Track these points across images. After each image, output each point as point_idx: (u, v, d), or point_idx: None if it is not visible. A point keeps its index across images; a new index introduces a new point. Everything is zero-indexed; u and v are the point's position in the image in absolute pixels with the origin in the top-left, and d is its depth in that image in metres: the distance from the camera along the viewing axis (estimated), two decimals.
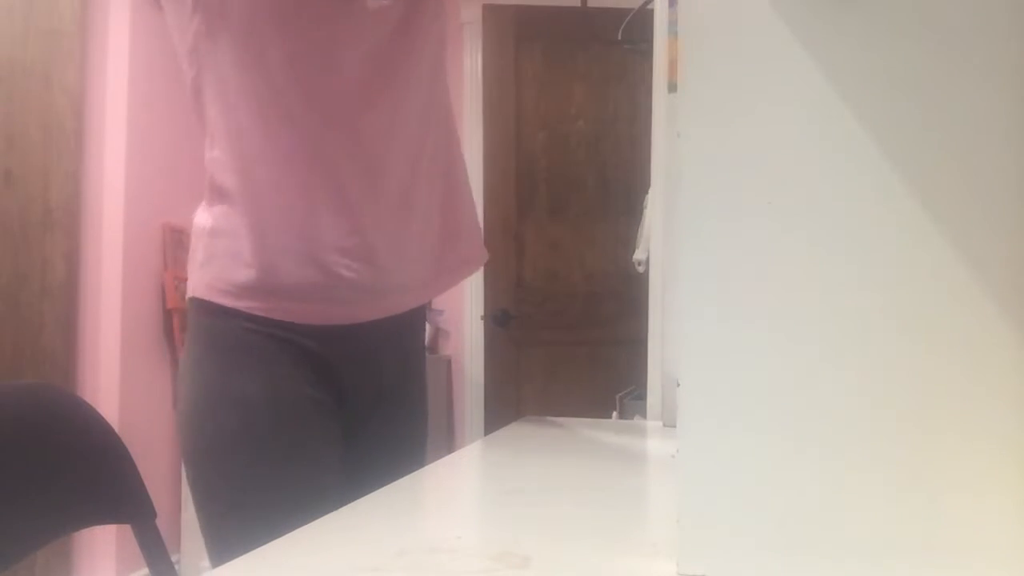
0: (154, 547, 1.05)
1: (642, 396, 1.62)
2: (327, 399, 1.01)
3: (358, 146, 0.98)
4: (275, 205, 0.96)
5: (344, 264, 0.98)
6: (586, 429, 1.18)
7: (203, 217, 1.01)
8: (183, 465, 1.01)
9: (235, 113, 0.95)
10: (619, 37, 2.51)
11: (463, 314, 3.58)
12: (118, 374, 2.82)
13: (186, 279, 1.05)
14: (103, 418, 1.08)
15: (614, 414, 2.05)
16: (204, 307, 0.99)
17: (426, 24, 1.02)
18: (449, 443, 3.58)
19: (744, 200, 0.45)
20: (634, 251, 2.25)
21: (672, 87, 1.23)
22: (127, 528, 1.06)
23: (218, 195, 0.99)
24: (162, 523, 1.08)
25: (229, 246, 0.97)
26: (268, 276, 0.96)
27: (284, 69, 0.93)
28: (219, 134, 0.97)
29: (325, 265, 0.97)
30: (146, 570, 1.04)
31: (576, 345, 3.32)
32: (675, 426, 0.45)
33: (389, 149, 1.00)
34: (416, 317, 1.14)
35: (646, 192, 1.91)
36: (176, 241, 3.13)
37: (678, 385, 0.45)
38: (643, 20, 2.11)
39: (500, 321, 3.29)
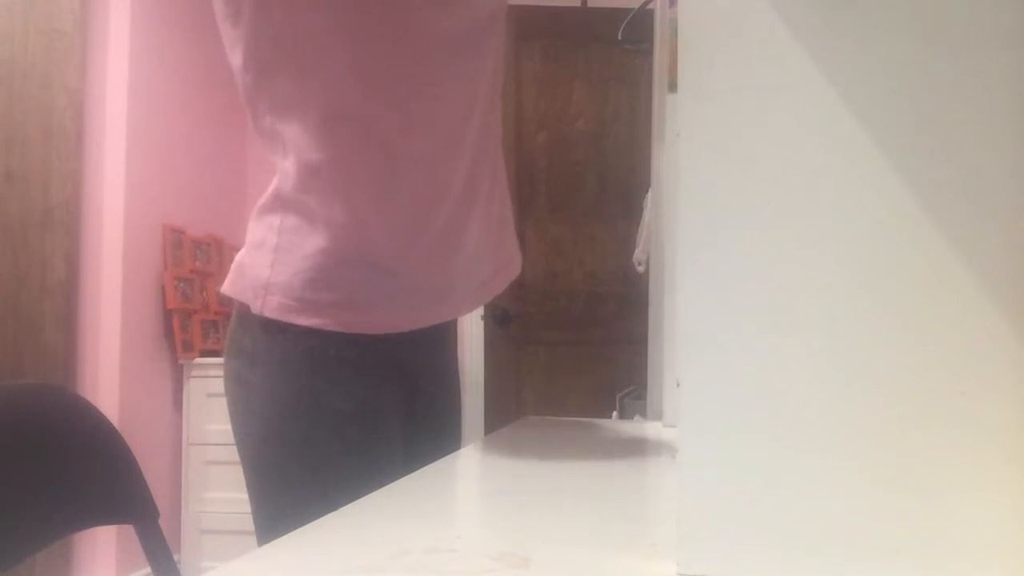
0: (157, 547, 1.05)
1: (642, 396, 1.63)
2: (400, 401, 1.02)
3: (425, 144, 0.96)
4: (342, 211, 0.93)
5: (410, 270, 0.97)
6: (586, 429, 1.18)
7: (259, 229, 0.98)
8: (249, 472, 0.97)
9: (292, 116, 0.93)
10: (619, 37, 2.51)
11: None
12: (118, 374, 2.82)
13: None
14: (106, 418, 1.08)
15: (614, 414, 2.05)
16: (277, 327, 0.96)
17: (494, 29, 1.02)
18: None
19: (744, 200, 0.45)
20: (634, 251, 2.25)
21: (672, 87, 1.23)
22: (127, 528, 1.06)
23: (281, 204, 0.96)
24: (162, 523, 1.08)
25: (299, 263, 0.94)
26: (343, 291, 0.94)
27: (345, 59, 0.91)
28: (283, 145, 0.94)
29: (394, 272, 0.96)
30: (146, 570, 1.04)
31: (576, 345, 3.32)
32: (675, 426, 0.45)
33: (457, 148, 0.99)
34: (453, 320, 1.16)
35: (646, 192, 1.92)
36: (176, 241, 3.13)
37: (678, 385, 0.45)
38: (643, 20, 2.11)
39: (500, 321, 3.29)
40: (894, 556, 0.42)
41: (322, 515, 0.62)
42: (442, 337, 1.11)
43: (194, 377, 3.07)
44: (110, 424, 1.08)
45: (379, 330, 0.98)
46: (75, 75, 2.77)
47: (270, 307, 0.95)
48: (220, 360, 1.02)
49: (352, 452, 0.96)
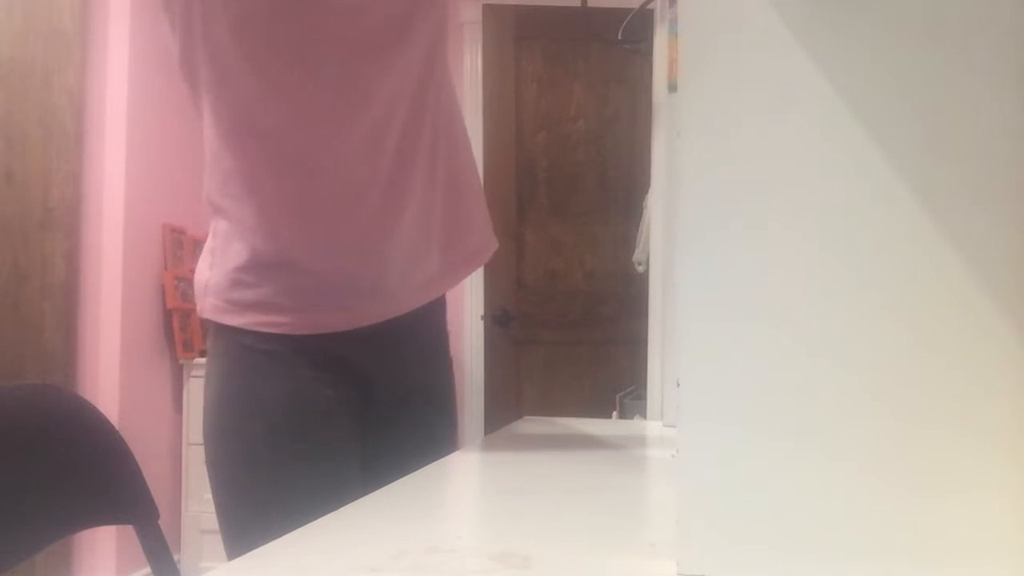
0: (157, 548, 1.05)
1: (642, 396, 1.63)
2: (349, 397, 1.02)
3: (338, 149, 0.96)
4: (255, 216, 0.96)
5: (332, 270, 0.98)
6: (586, 429, 1.18)
7: (209, 235, 1.03)
8: (209, 473, 1.01)
9: (213, 127, 0.96)
10: (619, 37, 2.51)
11: (463, 314, 3.57)
12: (118, 374, 2.82)
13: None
14: (106, 418, 1.08)
15: (614, 414, 2.05)
16: (219, 327, 1.00)
17: (418, 21, 1.00)
18: None
19: (744, 200, 0.45)
20: (634, 251, 2.26)
21: (672, 87, 1.23)
22: (127, 528, 1.06)
23: (212, 209, 1.00)
24: (162, 523, 1.08)
25: (225, 264, 0.98)
26: (264, 291, 0.97)
27: (253, 64, 0.92)
28: (207, 150, 0.98)
29: (316, 273, 0.97)
30: (146, 570, 1.04)
31: (576, 345, 3.32)
32: (675, 426, 0.45)
33: (377, 148, 0.98)
34: (433, 314, 1.12)
35: (646, 192, 1.92)
36: (176, 241, 3.13)
37: (678, 385, 0.45)
38: (643, 20, 2.11)
39: (500, 321, 3.29)
40: (894, 556, 0.42)
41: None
42: (406, 338, 1.08)
43: (194, 377, 3.07)
44: (110, 424, 1.08)
45: (308, 330, 0.99)
46: (75, 75, 2.76)
47: (207, 308, 1.00)
48: None
49: (287, 445, 0.97)
